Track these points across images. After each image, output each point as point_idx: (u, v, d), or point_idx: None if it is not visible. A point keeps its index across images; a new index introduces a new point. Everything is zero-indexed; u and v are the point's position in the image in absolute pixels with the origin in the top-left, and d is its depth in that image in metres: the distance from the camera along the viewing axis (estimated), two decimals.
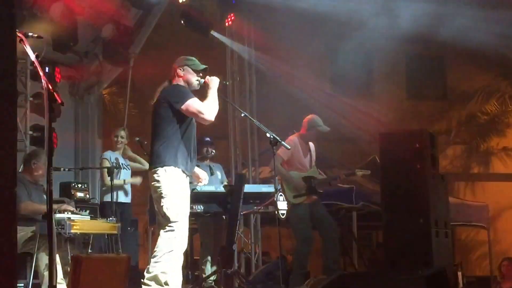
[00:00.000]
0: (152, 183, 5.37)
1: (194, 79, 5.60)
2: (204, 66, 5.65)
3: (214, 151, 8.44)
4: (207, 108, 5.36)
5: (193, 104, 5.36)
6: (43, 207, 6.41)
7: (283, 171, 7.61)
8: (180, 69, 5.63)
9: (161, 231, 5.28)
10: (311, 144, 7.81)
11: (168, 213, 5.25)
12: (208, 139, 8.62)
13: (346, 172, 7.98)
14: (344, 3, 10.77)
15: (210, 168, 8.58)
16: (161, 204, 5.28)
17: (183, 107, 5.35)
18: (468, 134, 12.84)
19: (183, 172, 5.38)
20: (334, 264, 7.44)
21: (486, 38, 10.45)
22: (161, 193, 5.29)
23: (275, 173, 7.62)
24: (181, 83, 5.59)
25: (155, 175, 5.34)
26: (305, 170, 7.62)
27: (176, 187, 5.32)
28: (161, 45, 10.70)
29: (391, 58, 11.88)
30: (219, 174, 8.61)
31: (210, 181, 8.29)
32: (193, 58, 5.71)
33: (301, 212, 7.42)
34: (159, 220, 5.39)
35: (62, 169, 8.10)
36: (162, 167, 5.31)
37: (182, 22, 9.89)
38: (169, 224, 5.24)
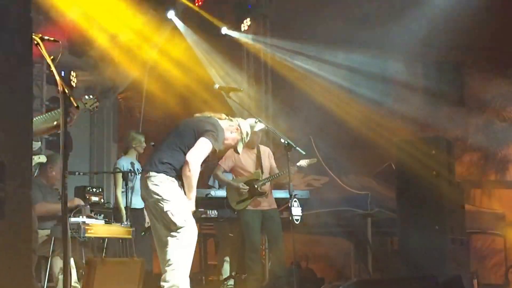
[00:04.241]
0: (150, 188, 5.30)
1: (232, 144, 5.63)
2: (239, 151, 5.71)
3: None
4: (196, 167, 5.24)
5: (205, 146, 5.27)
6: (58, 207, 6.48)
7: (223, 179, 7.53)
8: (237, 131, 5.62)
9: (169, 239, 5.20)
10: (264, 149, 7.65)
11: (174, 219, 5.19)
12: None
13: (295, 167, 7.70)
14: (360, 10, 10.75)
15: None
16: (165, 210, 5.22)
17: (202, 137, 5.28)
18: (485, 141, 12.74)
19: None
20: (281, 270, 7.31)
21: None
22: (162, 198, 5.23)
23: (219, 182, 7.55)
24: (225, 131, 5.54)
25: (153, 180, 5.30)
26: (250, 175, 7.50)
27: (178, 192, 5.30)
28: (177, 49, 10.70)
29: (408, 63, 11.82)
30: None
31: None
32: (248, 137, 5.73)
33: (248, 218, 7.29)
34: (164, 226, 5.28)
35: (77, 173, 8.12)
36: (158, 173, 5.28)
37: None
38: (177, 230, 5.18)
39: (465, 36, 10.82)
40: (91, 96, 5.66)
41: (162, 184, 5.24)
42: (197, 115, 5.62)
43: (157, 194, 5.23)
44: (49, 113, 5.40)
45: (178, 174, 5.29)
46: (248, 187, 7.31)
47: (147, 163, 5.46)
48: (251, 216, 7.30)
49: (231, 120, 5.65)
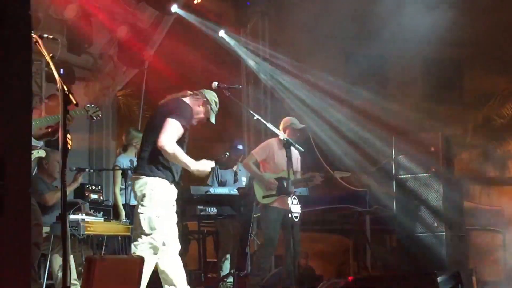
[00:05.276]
0: (136, 191, 5.40)
1: (204, 117, 5.66)
2: (213, 122, 5.67)
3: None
4: (171, 146, 5.24)
5: (172, 125, 5.29)
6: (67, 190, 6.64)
7: (255, 170, 7.43)
8: (204, 102, 5.63)
9: (133, 245, 5.29)
10: (294, 151, 7.60)
11: (142, 224, 5.25)
12: (240, 147, 8.63)
13: (323, 174, 7.73)
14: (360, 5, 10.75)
15: (235, 174, 8.60)
16: (138, 211, 5.30)
17: (167, 118, 5.30)
18: (484, 138, 12.76)
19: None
20: (295, 269, 7.27)
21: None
22: (142, 201, 5.31)
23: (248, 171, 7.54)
24: (193, 106, 5.58)
25: (139, 182, 5.37)
26: (280, 172, 7.46)
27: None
28: (176, 46, 10.70)
29: (407, 60, 11.84)
30: (244, 180, 8.59)
31: (233, 187, 8.31)
32: (217, 105, 5.71)
33: (272, 215, 7.22)
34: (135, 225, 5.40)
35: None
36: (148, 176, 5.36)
37: None
38: (142, 236, 5.24)
39: (464, 33, 10.83)
40: (93, 105, 5.77)
41: (145, 186, 5.29)
42: (161, 102, 5.66)
43: (140, 197, 5.31)
44: (43, 118, 5.50)
45: (167, 167, 5.33)
46: (277, 184, 7.26)
47: (136, 165, 5.57)
48: (275, 213, 7.20)
49: (197, 94, 5.65)
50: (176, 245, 5.43)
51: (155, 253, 5.25)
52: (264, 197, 7.29)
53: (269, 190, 7.25)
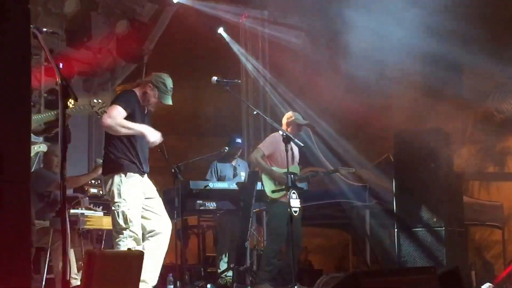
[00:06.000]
0: (106, 189, 5.54)
1: (156, 100, 5.67)
2: (169, 103, 5.64)
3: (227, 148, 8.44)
4: (110, 117, 5.32)
5: (111, 108, 5.38)
6: (83, 179, 6.64)
7: (264, 165, 7.33)
8: (150, 86, 5.61)
9: (116, 244, 5.38)
10: (295, 148, 7.56)
11: (118, 220, 5.35)
12: (239, 141, 8.61)
13: (329, 170, 7.72)
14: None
15: (235, 169, 8.58)
16: (113, 209, 5.43)
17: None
18: (484, 133, 12.75)
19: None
20: (295, 267, 7.24)
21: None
22: (113, 199, 5.46)
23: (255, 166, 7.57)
24: (142, 94, 5.61)
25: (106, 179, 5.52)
26: (285, 167, 7.39)
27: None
28: (175, 41, 10.68)
29: (406, 55, 11.81)
30: (243, 175, 8.58)
31: (233, 182, 8.31)
32: (168, 85, 5.65)
33: (279, 210, 7.16)
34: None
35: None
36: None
37: None
38: (122, 232, 5.35)
39: (463, 28, 10.81)
40: (99, 101, 5.79)
41: (112, 183, 5.40)
42: None
43: (109, 195, 5.44)
44: (42, 115, 5.56)
45: (131, 161, 5.41)
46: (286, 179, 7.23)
47: (102, 166, 5.74)
48: (284, 208, 7.16)
49: (142, 80, 5.71)
50: (166, 229, 5.56)
51: (138, 244, 5.35)
52: (273, 191, 7.27)
53: (277, 185, 7.24)
